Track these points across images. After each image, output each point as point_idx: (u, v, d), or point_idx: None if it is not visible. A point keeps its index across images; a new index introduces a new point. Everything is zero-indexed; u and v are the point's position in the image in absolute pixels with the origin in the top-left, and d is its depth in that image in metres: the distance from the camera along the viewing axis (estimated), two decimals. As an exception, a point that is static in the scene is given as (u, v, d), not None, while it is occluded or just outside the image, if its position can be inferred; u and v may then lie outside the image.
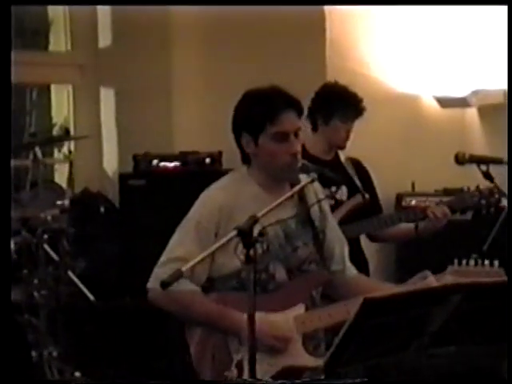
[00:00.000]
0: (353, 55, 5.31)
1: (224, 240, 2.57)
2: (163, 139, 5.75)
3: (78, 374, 4.35)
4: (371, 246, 5.32)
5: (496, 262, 2.72)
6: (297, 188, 2.74)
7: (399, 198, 5.18)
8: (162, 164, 5.43)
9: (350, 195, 3.57)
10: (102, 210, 5.44)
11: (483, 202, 3.41)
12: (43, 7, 6.55)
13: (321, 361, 2.51)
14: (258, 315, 2.47)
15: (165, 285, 2.41)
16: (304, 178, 2.72)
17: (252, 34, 5.40)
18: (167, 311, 2.70)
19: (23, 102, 6.70)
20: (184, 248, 2.66)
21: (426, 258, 4.88)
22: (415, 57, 5.43)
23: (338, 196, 3.56)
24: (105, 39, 6.22)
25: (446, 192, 5.17)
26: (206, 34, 5.69)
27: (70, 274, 4.78)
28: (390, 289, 2.74)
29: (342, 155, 3.78)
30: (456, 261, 2.72)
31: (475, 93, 5.40)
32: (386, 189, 4.53)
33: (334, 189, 3.58)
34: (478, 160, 3.66)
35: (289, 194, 2.72)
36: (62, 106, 6.55)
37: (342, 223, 3.35)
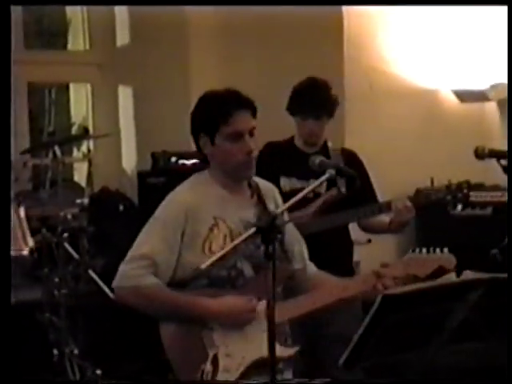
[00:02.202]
0: (371, 50, 5.29)
1: (243, 237, 2.62)
2: (181, 137, 5.73)
3: (98, 371, 4.37)
4: (390, 240, 5.33)
5: (445, 249, 2.75)
6: (316, 183, 2.82)
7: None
8: (181, 161, 5.44)
9: (329, 188, 3.56)
10: (121, 208, 5.47)
11: (449, 197, 3.38)
12: (61, 7, 6.58)
13: (291, 351, 2.73)
14: (224, 297, 2.67)
15: (182, 284, 2.46)
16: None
17: (270, 30, 5.39)
18: (135, 308, 2.74)
19: (42, 102, 6.75)
20: (150, 246, 2.71)
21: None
22: (433, 51, 5.41)
23: (316, 188, 3.57)
24: (122, 38, 6.25)
25: (466, 187, 5.15)
26: (223, 31, 5.69)
27: (90, 272, 4.80)
28: (347, 283, 2.83)
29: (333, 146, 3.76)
30: (410, 250, 2.79)
31: (494, 86, 5.37)
32: (404, 184, 4.50)
33: (312, 182, 3.60)
34: (498, 154, 3.62)
35: (310, 187, 2.80)
36: (80, 104, 6.59)
37: (331, 212, 3.44)
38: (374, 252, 4.93)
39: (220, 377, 2.64)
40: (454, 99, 5.55)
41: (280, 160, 3.58)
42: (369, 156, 5.08)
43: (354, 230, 3.93)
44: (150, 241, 2.72)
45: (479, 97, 5.43)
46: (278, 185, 3.68)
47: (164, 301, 2.71)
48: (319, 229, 3.46)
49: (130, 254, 2.75)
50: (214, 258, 2.62)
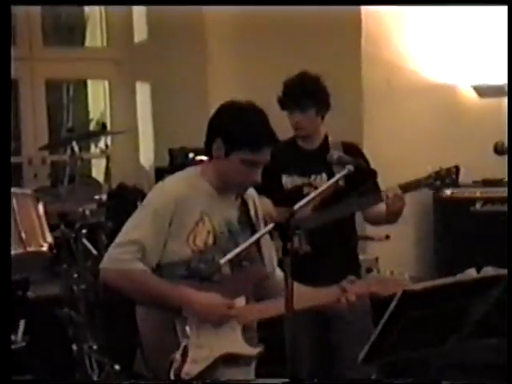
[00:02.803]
0: (388, 46, 5.27)
1: (263, 232, 2.71)
2: (199, 133, 5.75)
3: (117, 366, 4.39)
4: (410, 237, 5.32)
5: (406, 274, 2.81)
6: (333, 180, 2.92)
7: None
8: (198, 158, 5.44)
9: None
10: (139, 203, 5.46)
11: (438, 182, 3.38)
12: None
13: (255, 350, 2.80)
14: (207, 292, 2.72)
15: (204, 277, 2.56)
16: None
17: (288, 26, 5.38)
18: (119, 290, 2.79)
19: (60, 98, 6.78)
20: (140, 232, 2.76)
21: (466, 250, 4.87)
22: (451, 46, 5.38)
23: (317, 184, 3.57)
24: (140, 34, 6.26)
25: (485, 183, 5.12)
26: (240, 27, 5.69)
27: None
28: (312, 293, 2.88)
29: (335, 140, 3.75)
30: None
31: (513, 81, 5.33)
32: (423, 180, 4.49)
33: (313, 177, 3.60)
34: (518, 150, 3.60)
35: (329, 183, 2.88)
36: (98, 101, 6.61)
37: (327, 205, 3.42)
38: (392, 248, 4.92)
39: (187, 367, 2.68)
40: (472, 94, 5.52)
41: (281, 158, 3.58)
42: (387, 152, 5.09)
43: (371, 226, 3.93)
44: (140, 227, 2.77)
45: (498, 91, 5.39)
46: (279, 183, 3.70)
47: (148, 286, 2.75)
48: (316, 224, 3.45)
49: (119, 238, 2.80)
50: (233, 252, 2.66)
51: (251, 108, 2.87)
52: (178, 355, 2.69)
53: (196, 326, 2.73)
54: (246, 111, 2.85)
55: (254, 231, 2.89)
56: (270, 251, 3.02)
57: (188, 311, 2.72)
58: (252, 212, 2.97)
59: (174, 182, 2.90)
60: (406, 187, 3.38)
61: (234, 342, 2.77)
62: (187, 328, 2.72)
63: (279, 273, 3.02)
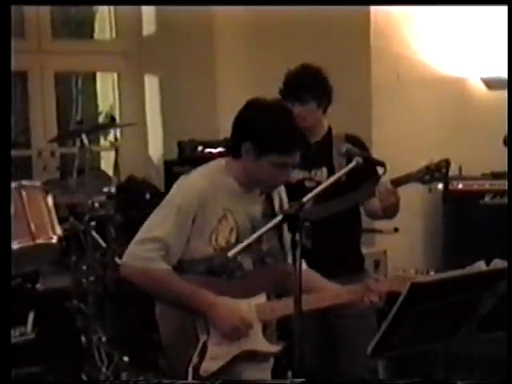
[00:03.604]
0: (397, 38, 5.25)
1: (270, 225, 2.66)
2: (208, 125, 5.77)
3: (126, 358, 4.40)
4: (419, 230, 5.31)
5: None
6: (345, 170, 2.93)
7: (446, 181, 5.12)
8: (207, 150, 5.44)
9: (330, 175, 3.53)
10: (148, 196, 5.48)
11: (427, 177, 3.34)
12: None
13: (275, 347, 2.78)
14: (224, 300, 2.71)
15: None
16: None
17: (296, 22, 5.36)
18: (140, 287, 2.78)
19: (69, 90, 6.78)
20: (163, 229, 2.73)
21: (475, 243, 4.86)
22: (461, 38, 5.36)
23: (317, 178, 3.55)
24: (149, 27, 6.25)
25: (494, 175, 5.11)
26: (250, 21, 5.67)
27: (117, 259, 4.82)
28: (338, 290, 2.87)
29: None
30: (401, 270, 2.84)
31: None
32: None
33: (314, 171, 3.57)
34: (527, 143, 3.59)
35: (338, 174, 2.89)
36: (107, 93, 6.61)
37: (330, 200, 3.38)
38: (400, 241, 4.92)
39: (206, 364, 2.68)
40: (482, 87, 5.50)
41: None
42: (396, 145, 5.07)
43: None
44: (163, 224, 2.74)
45: (507, 84, 5.37)
46: None
47: (170, 287, 2.74)
48: (318, 217, 3.41)
49: (141, 234, 2.77)
50: (241, 246, 2.65)
51: (280, 109, 2.83)
52: (196, 351, 2.68)
53: None
54: (276, 113, 2.79)
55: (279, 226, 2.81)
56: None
57: (206, 316, 2.70)
58: (277, 206, 2.93)
59: (198, 178, 2.84)
60: (397, 181, 3.35)
61: (254, 339, 2.75)
62: (207, 325, 2.71)
63: (303, 265, 2.96)
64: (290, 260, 2.83)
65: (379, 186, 3.34)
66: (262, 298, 2.79)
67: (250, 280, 2.80)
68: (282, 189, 2.99)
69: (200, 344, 2.70)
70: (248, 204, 2.84)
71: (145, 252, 2.71)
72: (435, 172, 3.29)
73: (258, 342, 2.76)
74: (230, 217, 2.80)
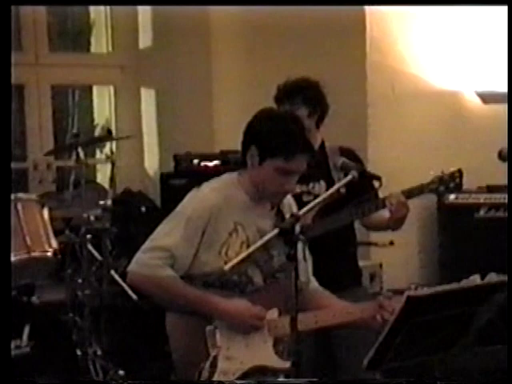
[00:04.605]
0: (393, 52, 5.28)
1: (265, 239, 2.69)
2: (204, 139, 5.79)
3: (121, 372, 4.39)
4: (414, 243, 5.31)
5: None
6: (340, 184, 2.96)
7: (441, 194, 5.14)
8: (203, 163, 5.45)
9: (328, 189, 3.52)
10: (144, 209, 5.49)
11: (441, 188, 3.33)
12: (85, 9, 6.62)
13: (286, 363, 2.70)
14: (236, 299, 2.71)
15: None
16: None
17: (293, 32, 5.39)
18: (147, 295, 2.80)
19: (65, 104, 6.78)
20: (171, 239, 2.73)
21: (470, 256, 4.86)
22: (456, 53, 5.38)
23: (315, 191, 3.54)
24: (145, 40, 6.27)
25: (489, 189, 5.12)
26: (246, 34, 5.70)
27: (113, 273, 4.82)
28: (350, 308, 2.84)
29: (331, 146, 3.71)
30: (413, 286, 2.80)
31: (518, 88, 5.34)
32: (427, 186, 4.49)
33: (311, 185, 3.57)
34: (522, 156, 3.60)
35: (335, 187, 2.92)
36: (103, 106, 6.62)
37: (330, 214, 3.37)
38: (396, 254, 4.93)
39: (216, 378, 2.67)
40: (477, 101, 5.53)
41: None
42: (392, 158, 5.09)
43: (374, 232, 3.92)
44: (172, 234, 2.74)
45: (503, 98, 5.39)
46: None
47: (177, 294, 2.74)
48: (318, 232, 3.39)
49: (150, 242, 2.78)
50: (236, 260, 2.66)
51: (287, 116, 2.86)
52: (206, 365, 2.67)
53: (227, 337, 2.71)
54: (282, 119, 2.82)
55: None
56: (306, 263, 2.93)
57: (217, 318, 2.70)
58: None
59: (210, 192, 2.82)
60: (410, 193, 3.35)
61: (264, 354, 2.74)
62: (217, 338, 2.70)
63: (315, 283, 2.98)
64: (302, 277, 2.84)
65: (391, 198, 3.32)
66: (273, 314, 2.78)
67: (261, 295, 2.78)
68: (293, 202, 2.97)
69: (210, 358, 2.68)
70: (259, 218, 2.83)
71: (152, 260, 2.72)
72: (450, 182, 3.29)
73: (269, 357, 2.75)
74: (241, 230, 2.79)
